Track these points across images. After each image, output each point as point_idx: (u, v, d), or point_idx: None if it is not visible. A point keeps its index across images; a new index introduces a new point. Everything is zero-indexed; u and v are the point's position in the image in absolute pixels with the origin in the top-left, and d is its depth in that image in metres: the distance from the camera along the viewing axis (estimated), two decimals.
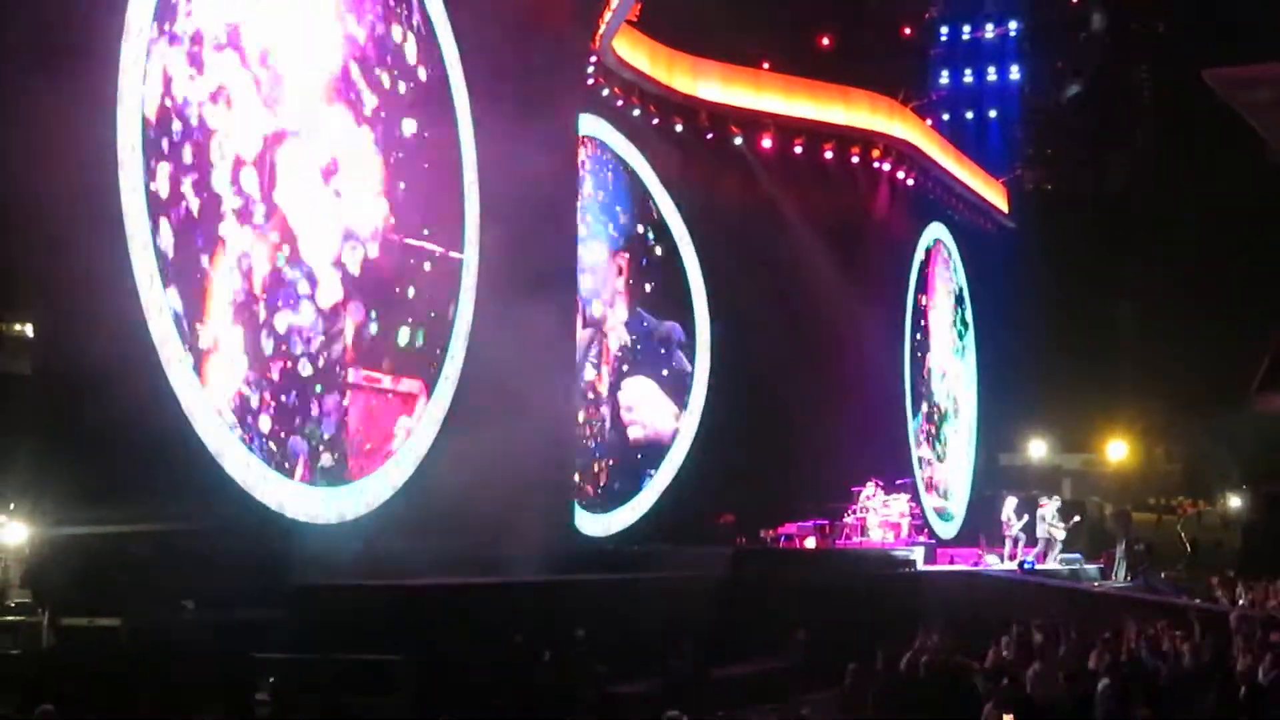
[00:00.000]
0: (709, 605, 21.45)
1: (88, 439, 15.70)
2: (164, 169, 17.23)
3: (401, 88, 21.80)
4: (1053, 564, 32.73)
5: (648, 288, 30.23)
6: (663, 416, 30.29)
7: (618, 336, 29.40)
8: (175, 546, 16.19)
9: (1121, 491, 52.13)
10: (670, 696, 15.52)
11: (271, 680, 11.73)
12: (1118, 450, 52.91)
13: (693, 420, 30.66)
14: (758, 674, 20.56)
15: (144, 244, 16.73)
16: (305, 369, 19.58)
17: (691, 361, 31.03)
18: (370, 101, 21.06)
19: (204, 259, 17.83)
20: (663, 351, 30.52)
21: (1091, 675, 15.71)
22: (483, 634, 16.70)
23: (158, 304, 16.90)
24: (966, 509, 42.29)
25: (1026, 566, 31.37)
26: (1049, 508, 32.84)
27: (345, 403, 20.39)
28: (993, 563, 32.20)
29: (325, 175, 20.14)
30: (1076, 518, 33.27)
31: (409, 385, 21.76)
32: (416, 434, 21.72)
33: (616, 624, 18.21)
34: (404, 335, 21.65)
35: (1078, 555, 33.84)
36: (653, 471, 29.55)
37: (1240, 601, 29.35)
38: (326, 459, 19.99)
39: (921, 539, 32.05)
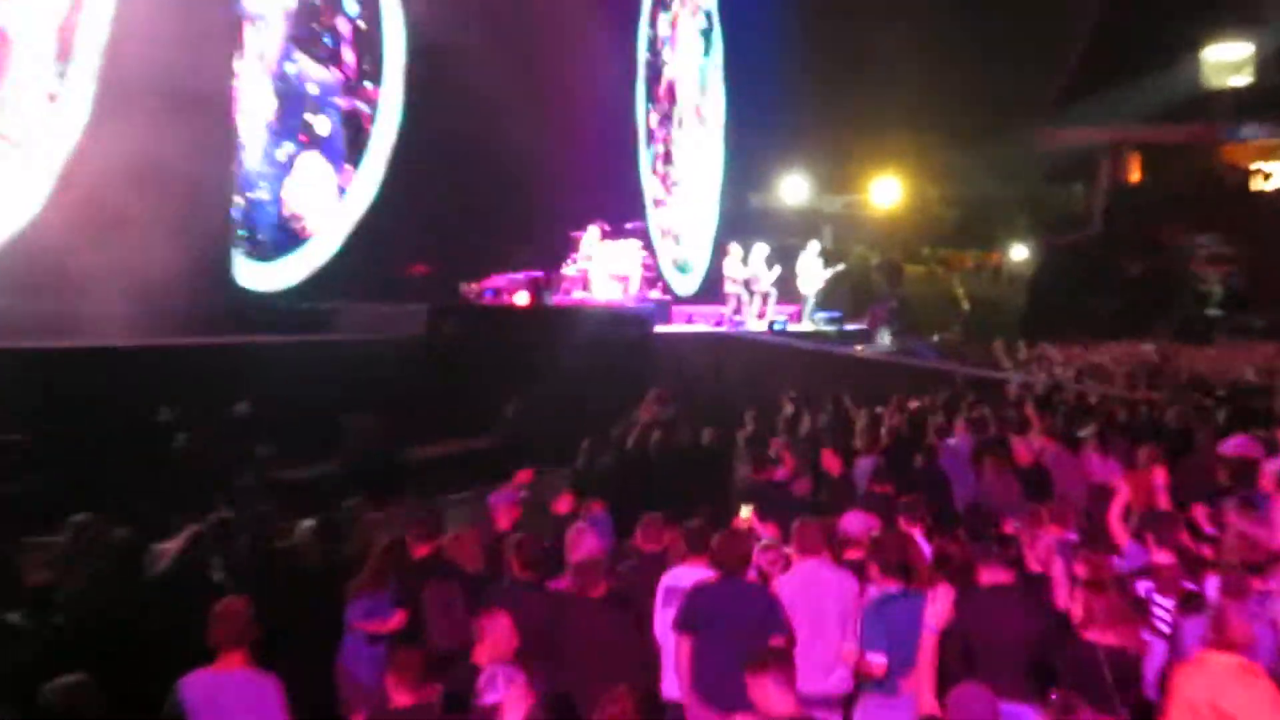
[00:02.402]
0: (399, 373, 21.37)
1: None
2: None
3: None
4: (808, 324, 33.55)
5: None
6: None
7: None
8: None
9: (890, 240, 53.49)
10: (350, 481, 15.51)
11: None
12: (887, 191, 54.04)
13: (377, 163, 29.86)
14: (457, 453, 20.69)
15: None
16: None
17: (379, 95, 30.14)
18: None
19: None
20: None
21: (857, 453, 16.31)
22: (119, 407, 16.31)
23: None
24: (709, 260, 42.80)
25: (777, 327, 32.07)
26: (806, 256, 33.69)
27: None
28: (739, 322, 32.86)
29: None
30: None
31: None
32: (28, 158, 20.81)
33: (285, 396, 17.97)
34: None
35: (838, 313, 34.73)
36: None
37: (1020, 368, 30.66)
38: None
39: (656, 294, 32.40)
